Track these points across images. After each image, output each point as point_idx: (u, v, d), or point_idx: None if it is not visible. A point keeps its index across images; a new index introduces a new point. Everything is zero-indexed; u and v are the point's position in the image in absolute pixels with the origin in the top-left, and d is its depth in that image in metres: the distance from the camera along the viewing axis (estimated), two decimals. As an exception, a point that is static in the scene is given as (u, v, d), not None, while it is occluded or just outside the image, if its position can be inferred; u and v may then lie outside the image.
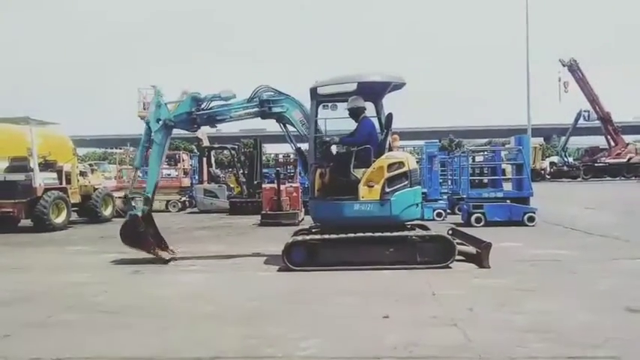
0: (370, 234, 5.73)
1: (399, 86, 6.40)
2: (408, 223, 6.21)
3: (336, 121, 6.59)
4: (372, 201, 5.86)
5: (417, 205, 6.09)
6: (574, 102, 37.09)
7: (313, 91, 6.18)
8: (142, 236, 6.42)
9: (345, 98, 6.31)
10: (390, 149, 6.42)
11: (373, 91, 6.43)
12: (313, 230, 6.51)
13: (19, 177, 10.67)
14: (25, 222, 11.02)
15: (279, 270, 5.87)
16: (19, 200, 10.56)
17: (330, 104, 6.49)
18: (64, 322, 4.01)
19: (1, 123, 11.82)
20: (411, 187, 5.95)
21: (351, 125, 6.41)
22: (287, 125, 6.69)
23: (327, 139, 6.37)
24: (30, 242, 9.14)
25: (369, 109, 6.50)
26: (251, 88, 6.68)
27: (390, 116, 6.39)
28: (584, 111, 36.68)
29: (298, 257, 5.81)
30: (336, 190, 6.06)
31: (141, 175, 7.18)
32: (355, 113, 6.30)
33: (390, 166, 5.91)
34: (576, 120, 37.57)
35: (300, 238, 6.05)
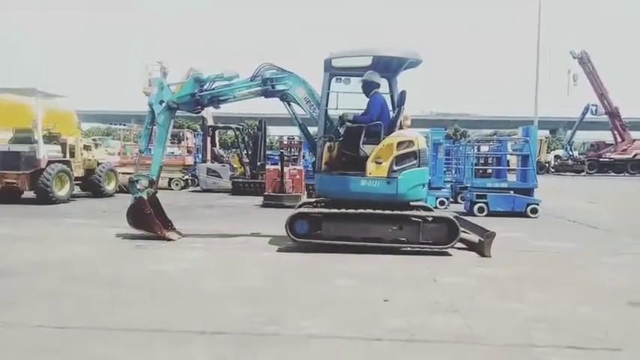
0: (374, 211, 5.72)
1: (414, 63, 6.24)
2: (413, 202, 6.19)
3: (347, 95, 6.45)
4: (379, 178, 5.83)
5: (424, 185, 6.06)
6: (583, 95, 36.78)
7: (327, 63, 6.08)
8: (149, 218, 6.44)
9: (358, 72, 6.20)
10: (401, 127, 6.32)
11: (389, 66, 6.30)
12: (318, 204, 6.51)
13: (23, 148, 10.67)
14: (28, 194, 11.06)
15: (279, 250, 5.90)
16: (23, 171, 10.57)
17: (343, 78, 6.37)
18: (68, 293, 4.02)
19: (7, 93, 11.77)
20: (419, 166, 5.90)
21: (361, 100, 6.31)
22: (291, 104, 6.62)
23: (340, 114, 6.27)
24: (33, 214, 9.18)
25: (383, 85, 6.38)
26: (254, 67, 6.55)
27: (403, 93, 6.26)
28: (592, 105, 36.29)
29: (301, 229, 5.84)
30: (343, 165, 6.03)
31: (144, 153, 7.12)
32: (368, 87, 6.22)
33: (399, 144, 5.86)
34: (583, 114, 37.17)
35: (303, 210, 6.05)
